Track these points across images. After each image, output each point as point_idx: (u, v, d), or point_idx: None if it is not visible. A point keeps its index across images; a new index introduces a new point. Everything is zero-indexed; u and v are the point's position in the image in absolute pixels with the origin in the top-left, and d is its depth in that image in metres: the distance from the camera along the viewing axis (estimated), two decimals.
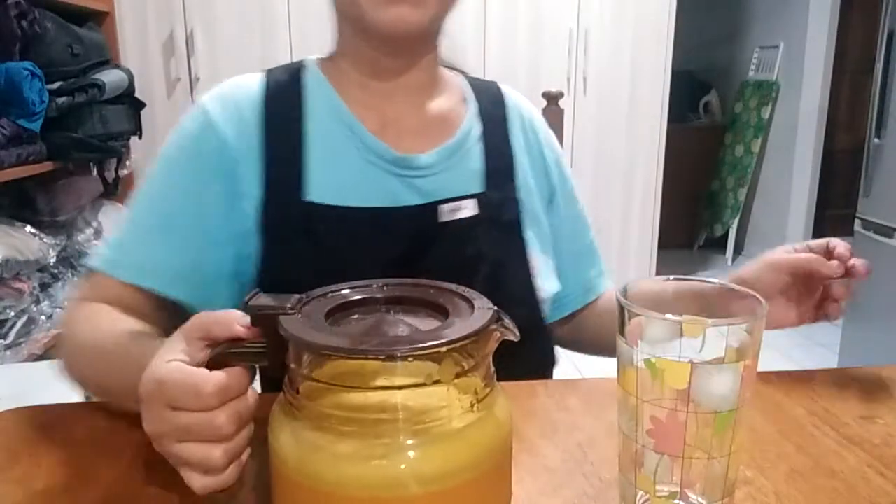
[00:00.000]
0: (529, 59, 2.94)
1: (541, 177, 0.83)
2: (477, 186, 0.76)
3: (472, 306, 0.45)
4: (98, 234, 2.20)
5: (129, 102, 2.27)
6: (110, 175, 2.38)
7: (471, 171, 0.77)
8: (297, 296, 0.45)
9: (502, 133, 0.81)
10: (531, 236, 0.79)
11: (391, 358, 0.37)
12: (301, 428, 0.40)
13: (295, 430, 0.40)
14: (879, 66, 2.26)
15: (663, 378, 0.41)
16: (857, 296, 0.67)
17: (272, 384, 0.44)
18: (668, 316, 0.42)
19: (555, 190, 0.85)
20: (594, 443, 0.59)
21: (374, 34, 0.70)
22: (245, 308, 0.43)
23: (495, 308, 0.44)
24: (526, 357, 0.68)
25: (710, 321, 0.41)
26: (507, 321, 0.44)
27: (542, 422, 0.63)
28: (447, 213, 0.73)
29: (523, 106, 0.86)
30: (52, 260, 1.92)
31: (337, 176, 0.72)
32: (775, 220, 4.52)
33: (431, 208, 0.73)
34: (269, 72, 0.78)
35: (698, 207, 4.68)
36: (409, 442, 0.38)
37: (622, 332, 0.45)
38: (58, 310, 1.87)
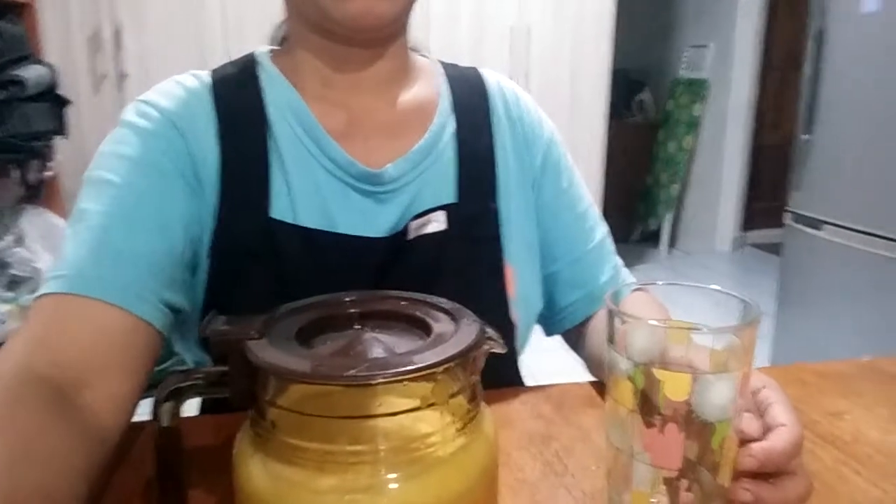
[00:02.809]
0: (472, 56, 2.93)
1: (527, 172, 0.75)
2: (450, 194, 0.69)
3: (453, 318, 0.42)
4: (20, 241, 2.06)
5: (53, 100, 2.14)
6: (33, 178, 2.24)
7: (443, 176, 0.70)
8: (260, 317, 0.41)
9: (482, 127, 0.73)
10: (512, 252, 0.71)
11: (385, 382, 0.33)
12: (274, 462, 0.36)
13: (267, 465, 0.36)
14: (809, 65, 2.35)
15: (662, 389, 0.39)
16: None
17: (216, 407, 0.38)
18: (652, 322, 0.41)
19: (535, 182, 0.76)
20: (571, 452, 0.57)
21: (337, 29, 0.63)
22: (204, 333, 0.39)
23: (479, 319, 0.42)
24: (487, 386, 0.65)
25: (704, 328, 0.40)
26: (492, 332, 0.42)
27: (517, 432, 0.60)
28: (415, 229, 0.67)
29: (507, 90, 0.78)
30: None
31: (302, 191, 0.65)
32: (707, 214, 4.67)
33: (403, 232, 0.66)
34: (215, 71, 0.69)
35: (634, 202, 4.78)
36: (397, 474, 0.35)
37: (612, 341, 0.43)
38: None
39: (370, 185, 0.66)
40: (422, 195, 0.68)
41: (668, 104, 4.64)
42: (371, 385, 0.34)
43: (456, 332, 0.39)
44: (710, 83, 4.40)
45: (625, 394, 0.41)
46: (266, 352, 0.36)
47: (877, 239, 2.14)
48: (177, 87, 0.66)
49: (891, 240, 2.09)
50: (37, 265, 2.02)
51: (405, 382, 0.34)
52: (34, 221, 2.16)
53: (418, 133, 0.70)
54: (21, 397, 0.45)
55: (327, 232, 0.65)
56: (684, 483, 0.40)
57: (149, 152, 0.61)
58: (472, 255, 0.69)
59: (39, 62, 2.14)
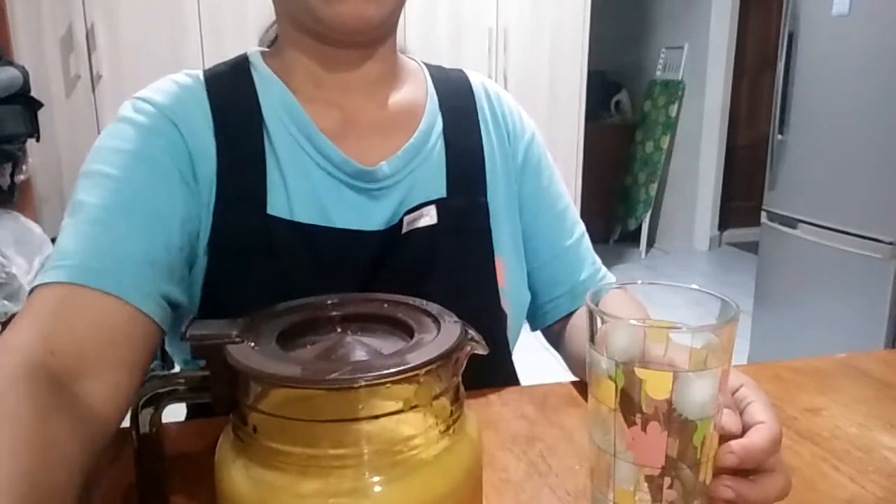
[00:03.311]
0: (450, 58, 2.93)
1: (510, 169, 0.77)
2: (440, 189, 0.71)
3: (435, 320, 0.42)
4: None
5: (25, 102, 2.11)
6: (5, 181, 2.20)
7: (433, 173, 0.72)
8: (239, 320, 0.41)
9: (469, 126, 0.75)
10: (501, 244, 0.73)
11: (368, 385, 0.33)
12: (256, 467, 0.36)
13: (250, 470, 0.36)
14: (781, 66, 2.38)
15: (643, 388, 0.39)
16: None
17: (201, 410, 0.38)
18: (632, 321, 0.41)
19: (516, 178, 0.77)
20: (555, 451, 0.57)
21: (326, 32, 0.65)
22: (184, 337, 0.39)
23: (460, 321, 0.42)
24: (484, 380, 0.65)
25: (683, 327, 0.40)
26: (474, 333, 0.42)
27: (500, 432, 0.60)
28: (408, 223, 0.68)
29: (490, 90, 0.80)
30: None
31: (298, 188, 0.66)
32: (684, 214, 4.72)
33: (398, 226, 0.68)
34: (208, 70, 0.70)
35: (612, 203, 4.81)
36: (381, 477, 0.35)
37: (592, 340, 0.43)
38: None
39: (364, 183, 0.68)
40: (414, 191, 0.70)
41: (646, 105, 4.68)
42: (354, 388, 0.34)
43: (438, 333, 0.39)
44: (685, 84, 4.45)
45: (606, 393, 0.41)
46: (247, 356, 0.36)
47: (851, 237, 2.18)
48: (172, 84, 0.66)
49: (864, 237, 2.13)
50: (10, 270, 1.98)
51: (388, 385, 0.34)
52: (8, 226, 2.12)
53: (407, 132, 0.71)
54: (19, 386, 0.44)
55: (324, 227, 0.66)
56: (667, 481, 0.41)
57: (146, 147, 0.61)
58: (462, 248, 0.70)
59: (10, 64, 2.10)
